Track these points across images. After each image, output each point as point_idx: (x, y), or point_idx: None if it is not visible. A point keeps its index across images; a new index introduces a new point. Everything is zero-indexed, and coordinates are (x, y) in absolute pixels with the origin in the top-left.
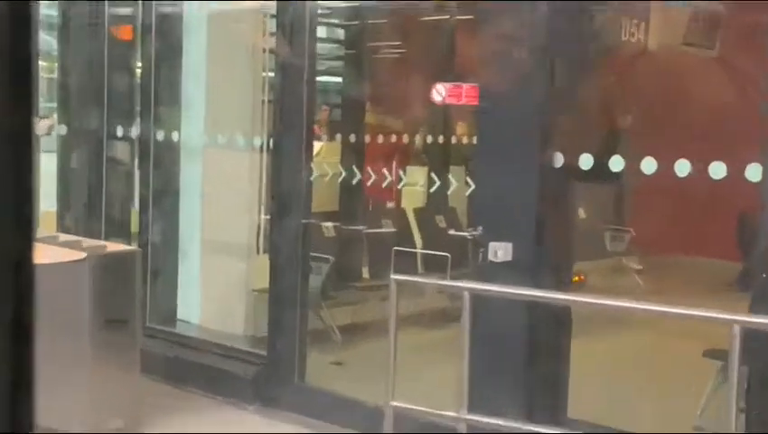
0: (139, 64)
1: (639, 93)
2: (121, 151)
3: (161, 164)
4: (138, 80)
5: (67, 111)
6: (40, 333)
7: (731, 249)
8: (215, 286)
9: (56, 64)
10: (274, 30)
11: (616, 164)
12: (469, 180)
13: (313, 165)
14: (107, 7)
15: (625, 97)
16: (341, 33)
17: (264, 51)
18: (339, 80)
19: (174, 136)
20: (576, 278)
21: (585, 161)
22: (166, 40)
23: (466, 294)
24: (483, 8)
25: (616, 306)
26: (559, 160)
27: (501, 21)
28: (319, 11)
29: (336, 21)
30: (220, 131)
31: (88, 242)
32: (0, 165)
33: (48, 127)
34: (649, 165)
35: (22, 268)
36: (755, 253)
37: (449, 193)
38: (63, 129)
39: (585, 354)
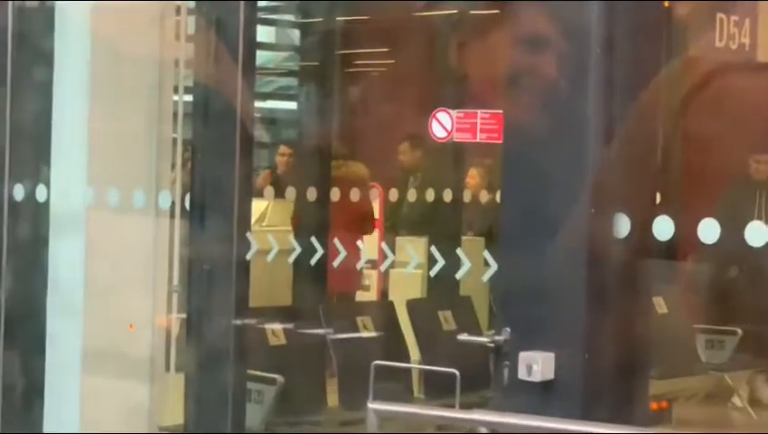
0: None
1: (742, 127)
2: None
3: (19, 235)
4: None
5: None
6: None
7: None
8: (101, 420)
9: None
10: (191, 32)
11: (710, 232)
12: (489, 257)
13: (251, 235)
14: None
15: (721, 133)
16: (295, 36)
17: (176, 63)
18: (292, 106)
19: (40, 192)
20: (656, 406)
21: (663, 228)
22: (26, 48)
23: (483, 430)
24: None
25: None
26: (625, 227)
27: (538, 18)
28: (261, 2)
29: (288, 17)
30: (109, 185)
31: None
32: None
33: None
34: (758, 235)
35: None
36: None
37: (459, 276)
38: None
39: None
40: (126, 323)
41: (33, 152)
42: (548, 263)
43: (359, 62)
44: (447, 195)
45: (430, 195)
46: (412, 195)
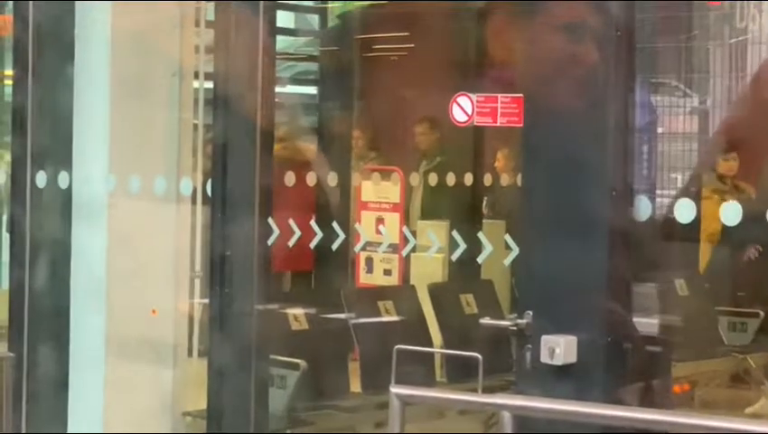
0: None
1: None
2: None
3: (42, 222)
4: (8, 99)
5: None
6: None
7: None
8: (125, 407)
9: None
10: (212, 17)
11: (732, 215)
12: (511, 241)
13: (272, 220)
14: None
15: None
16: (314, 21)
17: (196, 49)
18: (311, 90)
19: (63, 179)
20: (678, 388)
21: (685, 210)
22: (50, 37)
23: (507, 414)
24: None
25: (738, 431)
26: (646, 210)
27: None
28: None
29: (306, 2)
30: (131, 171)
31: None
32: None
33: None
34: None
35: None
36: None
37: (481, 260)
38: None
39: None
40: (149, 309)
41: (56, 140)
42: (570, 246)
43: (377, 47)
44: (467, 180)
45: (451, 180)
46: (433, 180)
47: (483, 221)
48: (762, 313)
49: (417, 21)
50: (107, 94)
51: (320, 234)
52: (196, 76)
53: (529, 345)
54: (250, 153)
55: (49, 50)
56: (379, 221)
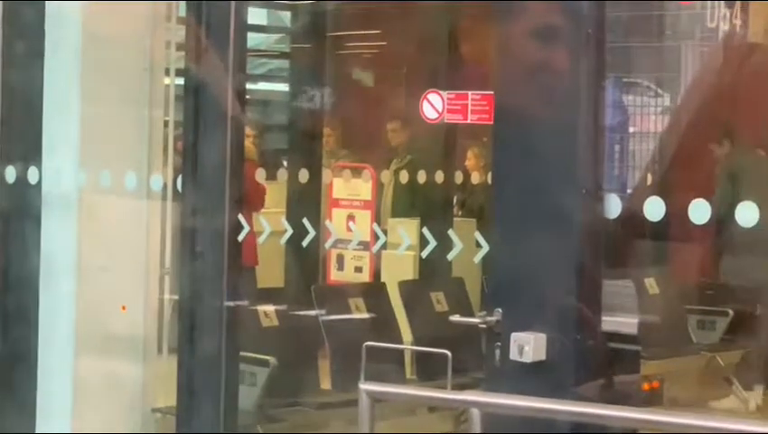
0: None
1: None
2: None
3: (10, 218)
4: None
5: None
6: None
7: None
8: (94, 405)
9: None
10: (183, 13)
11: (700, 212)
12: (481, 238)
13: (243, 216)
14: None
15: (721, 109)
16: (286, 18)
17: (167, 44)
18: (283, 87)
19: (32, 175)
20: (647, 386)
21: (654, 208)
22: (17, 31)
23: (475, 411)
24: None
25: (706, 428)
26: (615, 207)
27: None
28: None
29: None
30: (102, 167)
31: None
32: None
33: None
34: (746, 214)
35: None
36: None
37: (451, 258)
38: None
39: None
40: (119, 305)
41: (25, 135)
42: (540, 244)
43: (349, 44)
44: (438, 177)
45: (421, 178)
46: (404, 177)
47: (454, 218)
48: (731, 311)
49: (389, 19)
50: (78, 89)
51: (290, 231)
52: (167, 72)
53: (499, 343)
54: (221, 149)
55: (18, 44)
56: (350, 218)
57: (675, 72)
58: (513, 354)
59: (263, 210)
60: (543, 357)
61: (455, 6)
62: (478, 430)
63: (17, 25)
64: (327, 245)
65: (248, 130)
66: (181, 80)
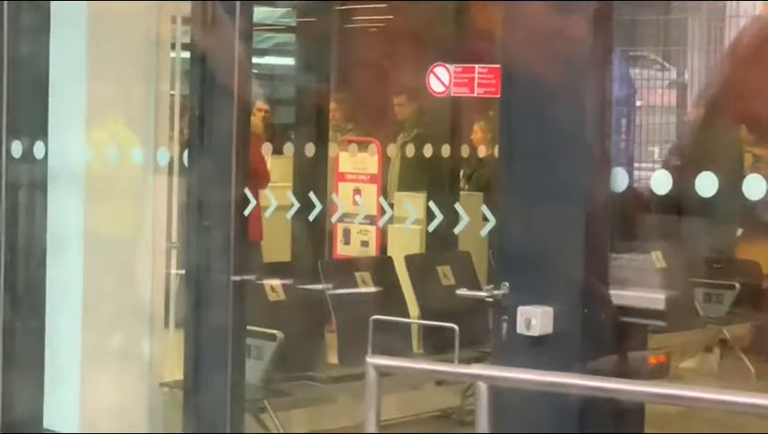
0: None
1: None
2: None
3: (17, 192)
4: None
5: None
6: None
7: None
8: (102, 378)
9: None
10: None
11: (707, 186)
12: (488, 212)
13: (250, 191)
14: None
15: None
16: None
17: (173, 20)
18: (289, 61)
19: (38, 149)
20: (654, 359)
21: (661, 181)
22: (27, 7)
23: (482, 385)
24: None
25: (713, 401)
26: (622, 181)
27: None
28: None
29: None
30: (107, 142)
31: None
32: None
33: None
34: (758, 187)
35: None
36: None
37: (458, 231)
38: None
39: None
40: (126, 280)
41: (32, 109)
42: (547, 218)
43: (355, 19)
44: (444, 151)
45: (428, 151)
46: (410, 152)
47: (460, 192)
48: (737, 285)
49: None
50: (85, 64)
51: (296, 205)
52: (173, 47)
53: (506, 316)
54: (227, 123)
55: (24, 19)
56: (357, 192)
57: (682, 45)
58: (520, 328)
59: (269, 184)
60: (550, 331)
61: None
62: (485, 404)
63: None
64: (333, 219)
65: (254, 105)
66: (187, 55)
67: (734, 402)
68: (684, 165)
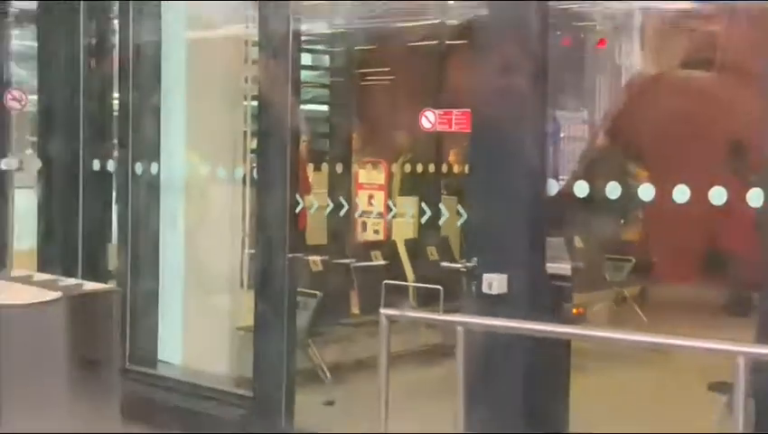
0: (116, 93)
1: (637, 118)
2: (98, 185)
3: (139, 197)
4: (115, 111)
5: (45, 145)
6: (14, 374)
7: (728, 272)
8: (198, 324)
9: (35, 96)
10: (256, 57)
11: (613, 191)
12: (461, 209)
13: (299, 196)
14: (82, 38)
15: (623, 127)
16: (326, 60)
17: (246, 79)
18: (325, 108)
19: (153, 168)
20: (576, 311)
21: (581, 188)
22: (144, 69)
23: (460, 328)
24: (478, 33)
25: (617, 339)
26: (554, 188)
27: (496, 46)
28: (303, 37)
29: (321, 47)
30: (200, 163)
31: (64, 281)
32: None
33: (17, 162)
34: (647, 192)
35: None
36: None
37: (441, 223)
38: (37, 164)
39: (586, 390)
40: (214, 256)
41: (148, 140)
42: (502, 212)
43: (369, 78)
44: (431, 168)
45: (420, 168)
46: (407, 168)
47: (442, 196)
48: (632, 258)
49: (398, 59)
50: (183, 104)
51: (331, 205)
52: (245, 98)
53: (475, 281)
54: (283, 149)
55: (143, 76)
56: (371, 197)
57: (592, 97)
58: (485, 289)
59: (312, 191)
60: (505, 291)
61: (445, 50)
62: (461, 341)
63: (142, 59)
64: (356, 215)
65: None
66: (254, 102)
67: (632, 340)
68: (588, 176)
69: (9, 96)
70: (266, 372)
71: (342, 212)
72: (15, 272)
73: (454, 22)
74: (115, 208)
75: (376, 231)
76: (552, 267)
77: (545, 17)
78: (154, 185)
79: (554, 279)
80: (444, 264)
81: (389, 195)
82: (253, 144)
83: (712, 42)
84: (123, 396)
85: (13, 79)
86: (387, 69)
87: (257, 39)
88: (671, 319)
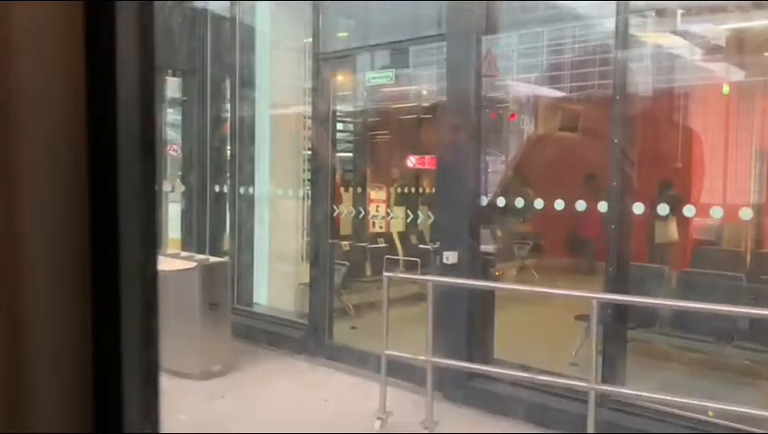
0: (228, 146)
1: (532, 160)
2: (217, 200)
3: (242, 208)
4: (228, 157)
5: (186, 176)
6: (169, 313)
7: (585, 251)
8: (277, 281)
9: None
10: (310, 124)
11: (518, 203)
12: (431, 214)
13: (335, 206)
14: (209, 112)
15: (524, 165)
16: (351, 126)
17: (303, 138)
18: (350, 154)
19: (250, 190)
20: (498, 273)
21: (500, 201)
22: (245, 131)
23: (430, 284)
24: (440, 110)
25: (521, 290)
26: (484, 201)
27: (451, 118)
28: (338, 113)
29: (348, 119)
30: (278, 186)
31: (198, 257)
32: (136, 209)
33: (171, 186)
34: (538, 203)
35: (147, 275)
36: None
37: (419, 222)
38: (182, 187)
39: (503, 320)
40: (287, 242)
41: (248, 172)
42: (455, 215)
43: (377, 136)
44: (413, 190)
45: (406, 190)
46: (400, 190)
47: (420, 206)
48: (531, 242)
49: (392, 125)
50: (268, 152)
51: (354, 211)
52: (303, 148)
53: (438, 255)
54: (326, 177)
55: (244, 135)
56: (377, 207)
57: (506, 147)
58: (444, 261)
59: (342, 203)
60: (456, 262)
61: (420, 118)
62: (431, 292)
63: (242, 127)
64: (369, 217)
65: (337, 171)
66: (309, 151)
67: (529, 290)
68: (504, 194)
69: (170, 148)
70: (315, 309)
71: (360, 216)
72: (168, 251)
73: (426, 104)
74: (228, 214)
75: (380, 227)
76: (484, 247)
77: (479, 101)
78: (250, 201)
79: (485, 255)
80: (421, 246)
81: (388, 206)
82: (307, 175)
83: (577, 115)
84: (232, 324)
85: (168, 137)
86: (386, 131)
87: (311, 114)
88: (553, 278)
